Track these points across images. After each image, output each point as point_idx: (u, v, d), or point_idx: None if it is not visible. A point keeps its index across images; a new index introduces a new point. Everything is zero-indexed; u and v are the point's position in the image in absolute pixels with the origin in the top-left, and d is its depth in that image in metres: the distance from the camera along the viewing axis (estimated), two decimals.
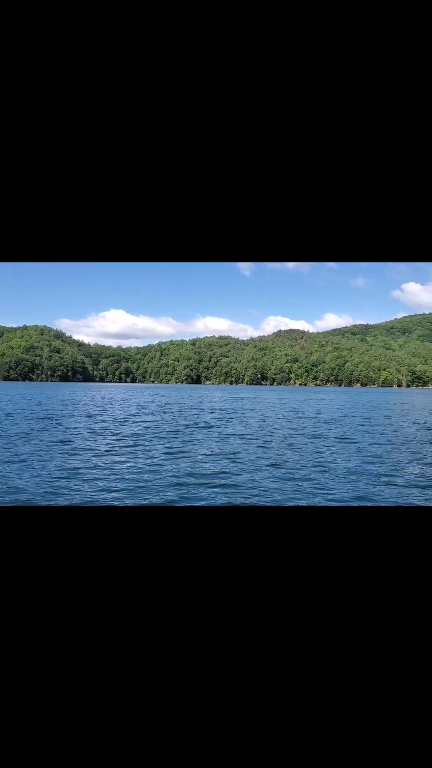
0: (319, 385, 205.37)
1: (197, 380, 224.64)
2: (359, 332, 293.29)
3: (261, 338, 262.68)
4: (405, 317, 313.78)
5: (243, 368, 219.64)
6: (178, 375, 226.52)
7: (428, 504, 6.06)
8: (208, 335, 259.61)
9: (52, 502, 6.20)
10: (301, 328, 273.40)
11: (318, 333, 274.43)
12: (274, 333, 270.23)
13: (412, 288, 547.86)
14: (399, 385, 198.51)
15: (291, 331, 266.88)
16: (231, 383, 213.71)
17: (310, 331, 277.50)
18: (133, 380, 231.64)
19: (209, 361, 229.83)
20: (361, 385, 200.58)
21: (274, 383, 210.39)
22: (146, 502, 6.35)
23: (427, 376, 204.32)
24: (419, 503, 6.19)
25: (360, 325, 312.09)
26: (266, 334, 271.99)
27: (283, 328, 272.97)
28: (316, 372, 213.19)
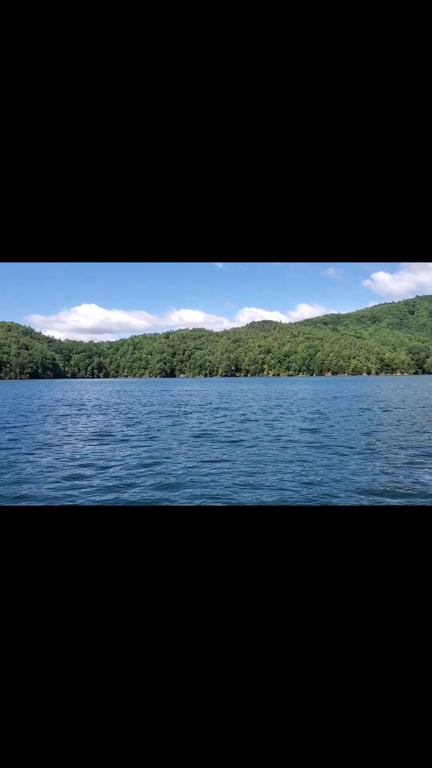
0: (291, 375, 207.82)
1: (171, 374, 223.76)
2: (331, 322, 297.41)
3: (235, 330, 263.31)
4: (375, 306, 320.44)
5: (217, 361, 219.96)
6: (151, 369, 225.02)
7: (428, 504, 5.98)
8: (184, 328, 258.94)
9: (52, 502, 6.15)
10: (275, 319, 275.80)
11: (291, 324, 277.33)
12: (247, 324, 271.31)
13: (382, 277, 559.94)
14: (368, 373, 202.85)
15: (264, 322, 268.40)
16: (205, 376, 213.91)
17: (286, 322, 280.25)
18: (106, 375, 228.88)
19: (183, 354, 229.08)
20: (332, 373, 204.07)
21: (248, 374, 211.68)
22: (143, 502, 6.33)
23: (395, 363, 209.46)
24: (419, 503, 6.11)
25: (332, 314, 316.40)
26: (241, 326, 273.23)
27: (258, 320, 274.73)
28: (289, 362, 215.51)
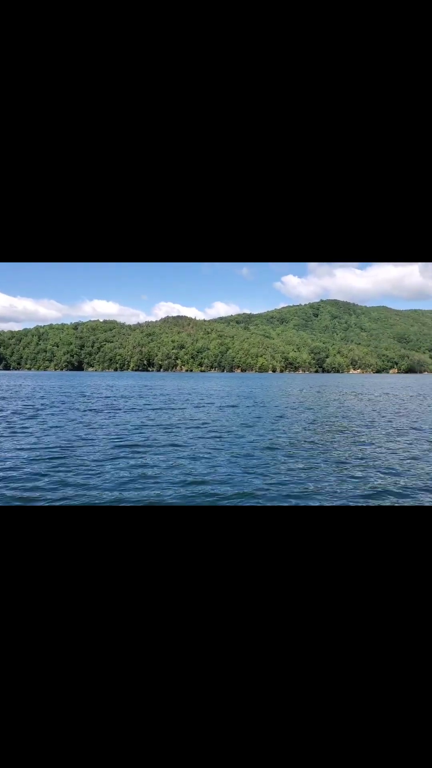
0: (204, 371, 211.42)
1: (79, 367, 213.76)
2: (243, 321, 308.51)
3: (149, 324, 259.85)
4: (284, 307, 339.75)
5: (128, 354, 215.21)
6: (57, 361, 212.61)
7: (428, 504, 5.98)
8: (95, 319, 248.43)
9: (52, 502, 5.91)
10: (192, 315, 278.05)
11: (205, 320, 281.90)
12: (162, 319, 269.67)
13: (291, 280, 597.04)
14: (273, 370, 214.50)
15: (179, 317, 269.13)
16: (115, 370, 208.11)
17: (203, 318, 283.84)
18: (7, 367, 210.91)
19: (92, 347, 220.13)
20: (241, 370, 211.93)
21: (161, 369, 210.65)
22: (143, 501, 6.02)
23: (298, 362, 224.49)
24: (419, 503, 6.08)
25: (244, 314, 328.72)
26: (156, 320, 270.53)
27: (174, 315, 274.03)
28: (201, 358, 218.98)
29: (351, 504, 6.02)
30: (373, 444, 10.62)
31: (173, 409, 19.19)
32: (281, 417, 16.11)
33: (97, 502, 6.13)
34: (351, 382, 61.64)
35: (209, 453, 9.26)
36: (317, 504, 6.02)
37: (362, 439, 11.23)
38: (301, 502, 6.13)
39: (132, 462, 8.32)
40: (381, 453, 9.50)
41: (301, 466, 8.16)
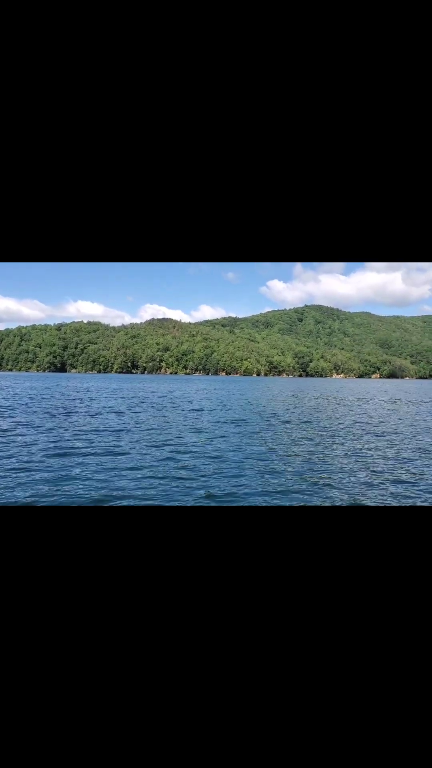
0: (188, 373, 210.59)
1: (62, 368, 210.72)
2: (228, 324, 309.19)
3: (133, 326, 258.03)
4: (269, 312, 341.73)
5: (112, 356, 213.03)
6: (39, 362, 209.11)
7: (428, 504, 5.83)
8: (79, 320, 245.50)
9: (52, 502, 5.85)
10: (178, 318, 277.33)
11: (190, 323, 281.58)
12: (147, 321, 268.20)
13: (276, 285, 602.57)
14: (258, 374, 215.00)
15: (164, 320, 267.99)
16: (99, 372, 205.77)
17: (188, 321, 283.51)
18: None
19: (75, 348, 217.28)
20: (226, 373, 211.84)
21: (145, 372, 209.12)
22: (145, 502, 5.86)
23: (282, 366, 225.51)
24: (419, 503, 5.93)
25: (230, 317, 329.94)
26: (141, 322, 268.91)
27: (159, 317, 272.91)
28: (186, 361, 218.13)
29: (351, 504, 5.99)
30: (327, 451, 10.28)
31: (133, 412, 18.64)
32: (243, 420, 15.71)
33: (96, 501, 6.01)
34: (332, 387, 61.86)
35: (141, 460, 8.77)
36: (317, 504, 5.97)
37: (323, 445, 10.88)
38: (265, 503, 5.99)
39: (52, 473, 7.77)
40: (335, 457, 9.15)
41: (234, 470, 7.74)
